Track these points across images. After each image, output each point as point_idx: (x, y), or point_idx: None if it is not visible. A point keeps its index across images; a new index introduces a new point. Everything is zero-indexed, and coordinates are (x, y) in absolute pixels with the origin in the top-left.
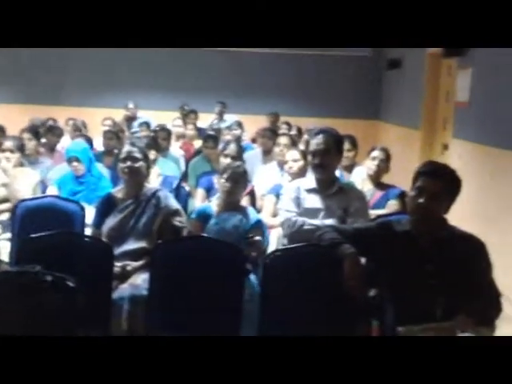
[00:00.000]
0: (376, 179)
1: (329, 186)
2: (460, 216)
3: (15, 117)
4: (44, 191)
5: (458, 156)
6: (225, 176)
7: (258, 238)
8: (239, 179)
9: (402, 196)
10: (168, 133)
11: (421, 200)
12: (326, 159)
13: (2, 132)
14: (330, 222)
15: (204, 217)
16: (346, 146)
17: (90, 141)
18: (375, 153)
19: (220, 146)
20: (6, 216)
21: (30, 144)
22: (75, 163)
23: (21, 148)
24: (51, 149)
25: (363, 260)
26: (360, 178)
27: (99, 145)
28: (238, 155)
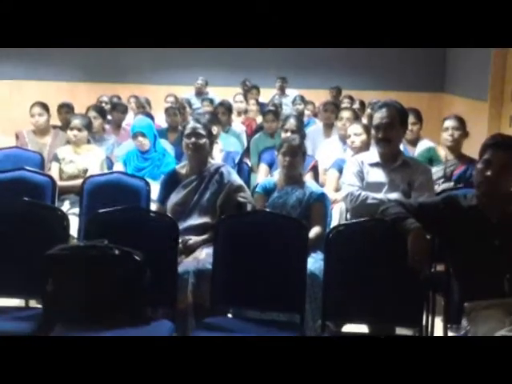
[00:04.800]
0: (456, 149)
1: (393, 160)
2: None
3: (82, 94)
4: (110, 168)
5: None
6: (282, 150)
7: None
8: (296, 152)
9: None
10: (228, 108)
11: (488, 173)
12: (390, 133)
13: (70, 110)
14: (393, 196)
15: (268, 191)
16: (411, 119)
17: (152, 118)
18: (447, 122)
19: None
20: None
21: (96, 122)
22: (140, 138)
23: (88, 126)
24: (116, 126)
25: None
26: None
27: (162, 121)
28: (298, 129)
